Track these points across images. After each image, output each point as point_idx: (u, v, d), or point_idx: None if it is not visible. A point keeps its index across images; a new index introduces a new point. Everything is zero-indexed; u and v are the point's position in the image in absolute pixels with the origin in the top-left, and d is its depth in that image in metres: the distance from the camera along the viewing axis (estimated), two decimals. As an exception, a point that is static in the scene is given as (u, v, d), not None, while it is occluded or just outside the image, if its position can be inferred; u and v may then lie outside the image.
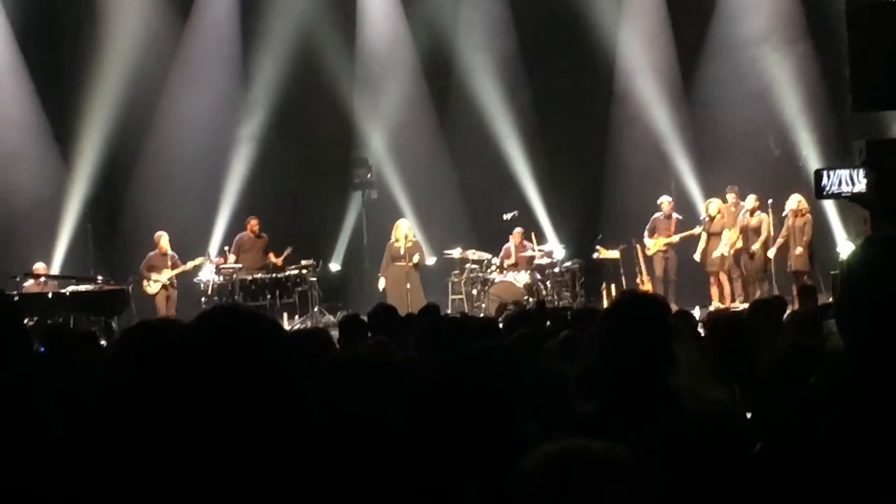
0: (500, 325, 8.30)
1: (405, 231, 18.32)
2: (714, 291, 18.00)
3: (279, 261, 18.63)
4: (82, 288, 17.07)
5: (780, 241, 17.35)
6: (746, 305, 15.92)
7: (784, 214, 17.34)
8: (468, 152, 21.05)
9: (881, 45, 13.74)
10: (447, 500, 2.66)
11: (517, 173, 20.77)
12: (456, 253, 18.67)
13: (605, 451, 1.97)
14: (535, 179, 20.74)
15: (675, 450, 2.79)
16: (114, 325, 16.32)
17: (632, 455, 1.97)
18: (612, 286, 18.53)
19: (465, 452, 2.72)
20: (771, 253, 17.47)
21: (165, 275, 17.82)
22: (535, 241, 18.85)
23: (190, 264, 18.07)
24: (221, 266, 18.27)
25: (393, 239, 18.39)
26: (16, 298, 15.57)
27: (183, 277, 18.27)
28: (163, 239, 18.02)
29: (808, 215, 17.22)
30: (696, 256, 18.13)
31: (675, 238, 18.39)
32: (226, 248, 18.98)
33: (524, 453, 2.01)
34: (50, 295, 16.72)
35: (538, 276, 18.31)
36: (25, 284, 17.48)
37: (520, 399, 2.99)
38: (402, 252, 18.08)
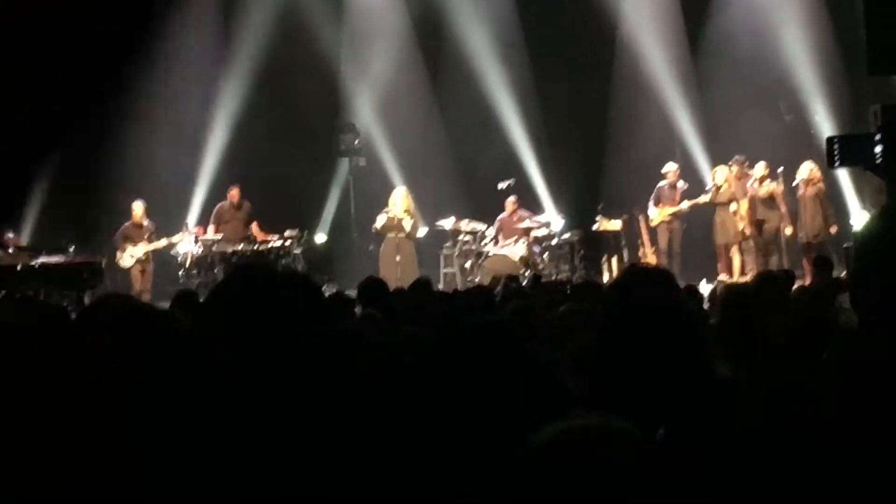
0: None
1: (400, 200, 18.15)
2: (721, 265, 17.99)
3: (262, 234, 18.58)
4: (53, 260, 17.01)
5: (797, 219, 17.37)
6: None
7: (794, 184, 17.34)
8: (461, 116, 20.99)
9: (899, 6, 13.70)
10: (445, 485, 2.67)
11: (513, 139, 20.74)
12: (448, 224, 18.65)
13: (620, 429, 1.97)
14: (532, 145, 20.72)
15: (684, 431, 2.80)
16: (86, 299, 16.28)
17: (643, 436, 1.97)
18: (614, 259, 18.51)
19: (465, 435, 2.73)
20: (788, 231, 17.49)
21: (141, 248, 17.75)
22: (525, 210, 18.82)
23: (165, 241, 17.99)
24: (200, 237, 18.24)
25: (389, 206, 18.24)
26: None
27: (159, 251, 18.22)
28: (138, 208, 17.93)
29: (821, 184, 17.23)
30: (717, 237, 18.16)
31: (687, 204, 18.33)
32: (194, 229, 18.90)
33: (526, 434, 2.01)
34: (18, 267, 16.65)
35: (535, 249, 18.31)
36: (-8, 256, 17.44)
37: (521, 378, 3.00)
38: (395, 221, 18.00)
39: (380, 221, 18.01)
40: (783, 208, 17.59)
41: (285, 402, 2.25)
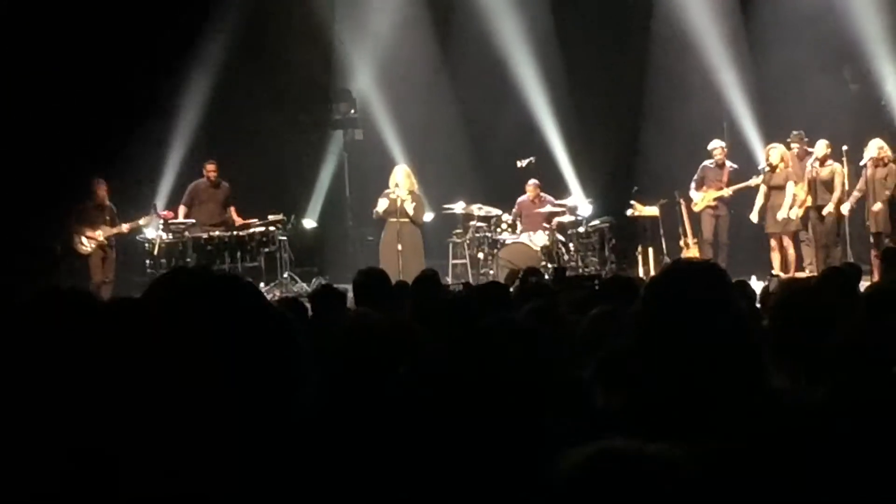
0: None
1: (400, 179, 17.97)
2: (775, 257, 17.96)
3: (239, 220, 18.55)
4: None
5: (855, 194, 17.30)
6: (815, 274, 15.94)
7: (862, 164, 17.28)
8: (474, 83, 20.98)
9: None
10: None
11: (534, 110, 20.70)
12: (458, 208, 18.63)
13: (661, 454, 1.95)
14: (556, 118, 20.68)
15: (733, 452, 2.78)
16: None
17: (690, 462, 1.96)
18: (650, 250, 18.51)
19: (476, 457, 2.72)
20: (845, 209, 17.42)
21: (102, 232, 17.75)
22: (548, 193, 18.83)
23: (126, 226, 17.90)
24: (171, 221, 18.22)
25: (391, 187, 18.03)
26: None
27: (123, 236, 18.19)
28: (100, 187, 17.93)
29: (893, 165, 17.17)
30: (753, 217, 18.04)
31: (728, 191, 18.33)
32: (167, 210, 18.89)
33: (553, 456, 2.00)
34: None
35: (559, 237, 18.29)
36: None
37: (540, 390, 2.98)
38: (397, 204, 17.81)
39: (381, 205, 17.87)
40: (837, 191, 17.44)
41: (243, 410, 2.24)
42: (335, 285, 9.86)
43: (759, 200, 17.99)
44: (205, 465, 2.14)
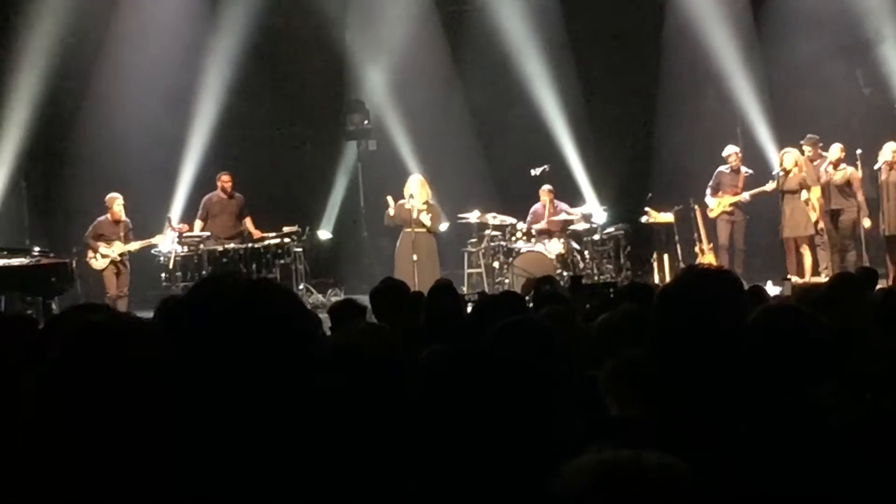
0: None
1: (415, 189, 17.91)
2: (791, 262, 17.90)
3: (257, 232, 18.54)
4: (15, 262, 17.04)
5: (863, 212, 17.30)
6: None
7: (876, 167, 17.23)
8: (487, 93, 20.96)
9: None
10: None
11: (549, 119, 20.67)
12: (473, 217, 18.58)
13: (662, 465, 1.95)
14: (570, 126, 20.65)
15: (749, 462, 2.78)
16: (54, 306, 16.31)
17: (695, 474, 1.95)
18: (665, 257, 18.46)
19: (490, 454, 2.72)
20: (867, 223, 17.37)
21: (116, 248, 17.73)
22: (563, 201, 18.80)
23: (137, 244, 17.84)
24: (185, 234, 18.20)
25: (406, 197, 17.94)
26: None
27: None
28: (116, 203, 17.88)
29: (908, 168, 17.14)
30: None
31: (746, 195, 18.24)
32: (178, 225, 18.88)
33: (562, 459, 2.00)
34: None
35: (574, 245, 18.26)
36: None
37: (557, 390, 2.98)
38: (413, 215, 17.73)
39: (391, 210, 17.74)
40: (860, 196, 17.47)
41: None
42: (353, 297, 9.86)
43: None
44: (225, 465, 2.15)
